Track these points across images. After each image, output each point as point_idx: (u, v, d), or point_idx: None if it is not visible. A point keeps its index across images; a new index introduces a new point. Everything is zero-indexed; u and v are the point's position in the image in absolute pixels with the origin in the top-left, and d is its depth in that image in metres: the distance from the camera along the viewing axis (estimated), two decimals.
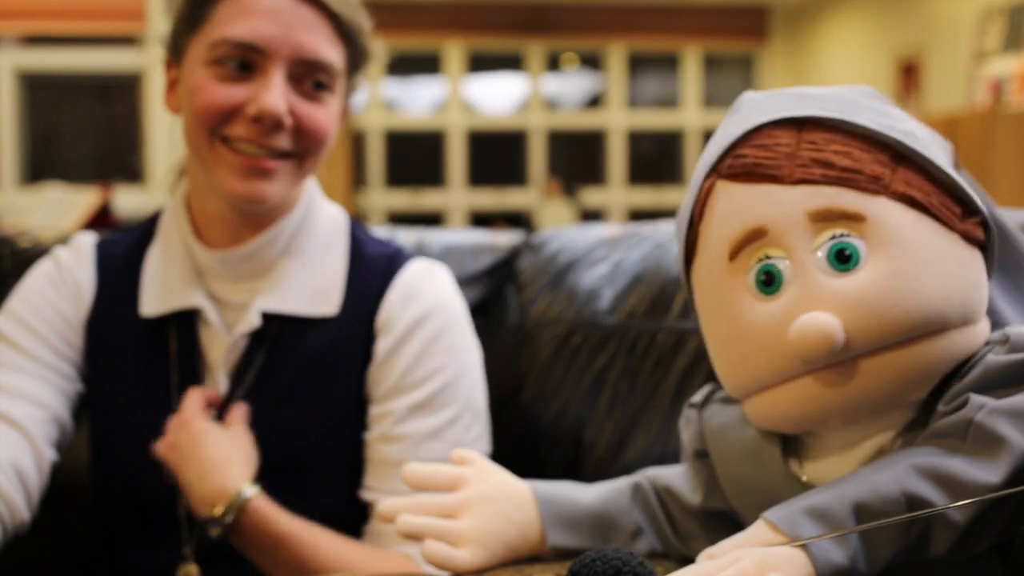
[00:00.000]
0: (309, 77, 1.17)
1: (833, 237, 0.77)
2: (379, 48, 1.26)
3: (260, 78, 1.15)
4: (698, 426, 0.96)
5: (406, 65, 8.67)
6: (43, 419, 1.18)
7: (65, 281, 1.26)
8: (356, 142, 7.15)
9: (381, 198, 8.63)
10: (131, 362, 1.24)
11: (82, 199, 4.72)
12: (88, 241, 1.30)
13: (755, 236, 0.79)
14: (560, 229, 1.64)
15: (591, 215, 8.66)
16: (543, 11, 8.69)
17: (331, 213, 1.30)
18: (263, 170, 1.16)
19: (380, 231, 1.64)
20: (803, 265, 0.77)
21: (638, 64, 9.08)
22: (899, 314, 0.75)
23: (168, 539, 1.21)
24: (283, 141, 1.16)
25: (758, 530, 0.71)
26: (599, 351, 1.41)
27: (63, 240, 1.40)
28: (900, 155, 0.78)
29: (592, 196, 8.86)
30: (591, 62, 9.13)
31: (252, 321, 1.20)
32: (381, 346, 1.22)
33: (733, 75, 9.27)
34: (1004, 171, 4.98)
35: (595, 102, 9.16)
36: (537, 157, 8.91)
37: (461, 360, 1.24)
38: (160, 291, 1.24)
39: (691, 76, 9.08)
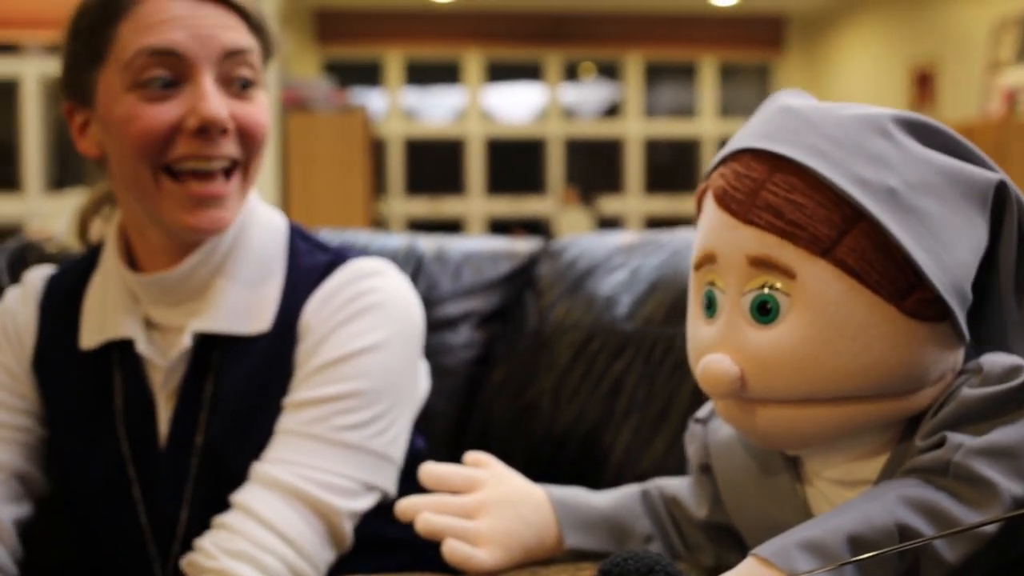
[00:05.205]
0: (236, 75, 1.12)
1: (763, 287, 0.77)
2: (279, 37, 1.21)
3: (190, 89, 1.09)
4: (703, 440, 0.96)
5: (426, 74, 8.69)
6: (1, 480, 1.17)
7: (7, 330, 1.24)
8: (376, 150, 7.16)
9: (401, 206, 8.64)
10: (76, 396, 1.21)
11: None
12: (39, 277, 1.27)
13: (708, 260, 0.81)
14: (578, 236, 1.65)
15: (608, 223, 8.66)
16: (561, 21, 8.70)
17: (269, 222, 1.23)
18: (213, 198, 1.11)
19: (396, 238, 1.65)
20: (732, 304, 0.79)
21: (655, 74, 9.08)
22: (796, 380, 0.76)
23: (138, 570, 1.18)
24: (229, 148, 1.11)
25: (749, 567, 0.70)
26: (617, 357, 1.41)
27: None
28: (861, 215, 0.75)
29: (609, 204, 8.86)
30: (608, 71, 9.14)
31: (183, 343, 1.15)
32: (300, 348, 1.17)
33: (749, 85, 9.26)
34: (1018, 180, 4.92)
35: (612, 111, 9.16)
36: (555, 165, 8.92)
37: (376, 339, 1.16)
38: (97, 322, 1.20)
39: (708, 86, 9.08)
